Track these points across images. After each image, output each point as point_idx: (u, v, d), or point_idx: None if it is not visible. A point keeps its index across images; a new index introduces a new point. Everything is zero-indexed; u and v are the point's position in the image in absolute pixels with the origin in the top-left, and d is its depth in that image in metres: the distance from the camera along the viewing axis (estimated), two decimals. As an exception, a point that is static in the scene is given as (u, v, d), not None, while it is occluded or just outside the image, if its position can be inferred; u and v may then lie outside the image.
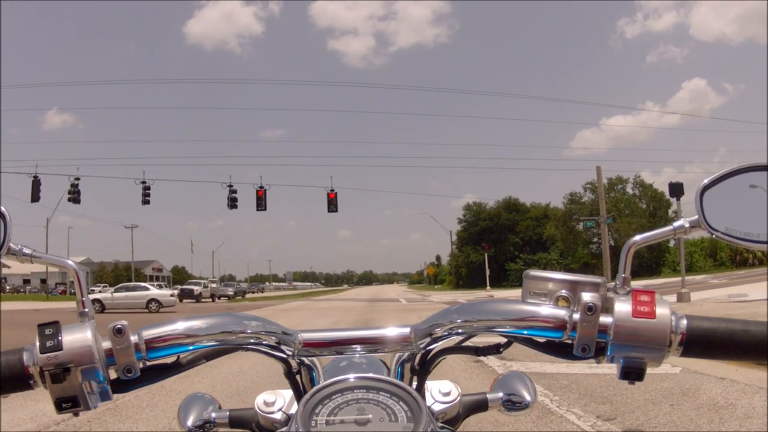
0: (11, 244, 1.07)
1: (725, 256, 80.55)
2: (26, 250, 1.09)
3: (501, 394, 1.34)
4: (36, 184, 44.70)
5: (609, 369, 1.08)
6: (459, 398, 1.27)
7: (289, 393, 1.24)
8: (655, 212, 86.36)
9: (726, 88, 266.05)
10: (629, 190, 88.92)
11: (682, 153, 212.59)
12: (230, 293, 79.75)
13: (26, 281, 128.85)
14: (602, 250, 74.82)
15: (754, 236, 1.07)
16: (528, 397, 1.34)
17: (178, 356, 1.08)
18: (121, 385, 1.03)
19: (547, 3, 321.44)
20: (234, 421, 1.30)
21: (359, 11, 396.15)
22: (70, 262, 1.09)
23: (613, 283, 1.08)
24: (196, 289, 69.00)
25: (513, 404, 1.33)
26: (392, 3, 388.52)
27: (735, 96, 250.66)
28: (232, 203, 49.12)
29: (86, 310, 1.05)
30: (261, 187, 47.33)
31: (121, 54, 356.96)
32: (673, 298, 26.82)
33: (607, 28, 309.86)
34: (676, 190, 31.24)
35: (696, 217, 1.08)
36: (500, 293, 59.02)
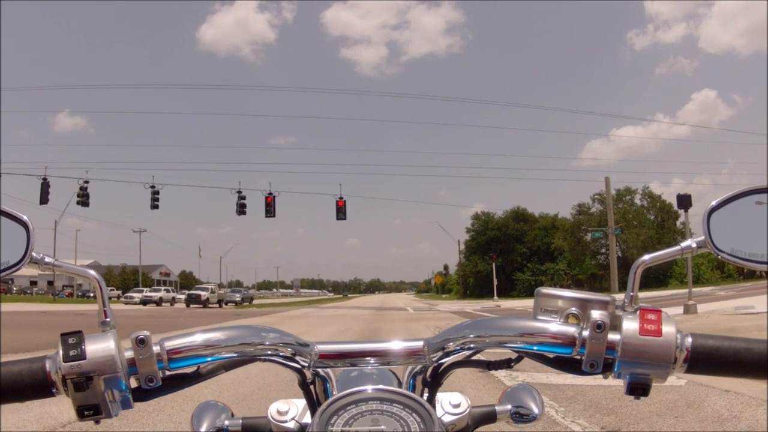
0: (33, 253, 1.09)
1: (732, 268, 79.96)
2: (48, 259, 1.11)
3: (509, 407, 1.35)
4: (45, 187, 44.79)
5: (614, 381, 1.11)
6: (468, 410, 1.28)
7: (302, 402, 1.26)
8: (663, 224, 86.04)
9: (735, 99, 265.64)
10: (637, 201, 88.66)
11: (691, 164, 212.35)
12: (237, 299, 79.50)
13: (33, 283, 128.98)
14: (610, 261, 74.87)
15: (758, 257, 1.10)
16: (536, 410, 1.35)
17: (198, 366, 1.11)
18: (142, 394, 1.06)
19: (557, 15, 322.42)
20: (247, 429, 1.31)
21: (372, 20, 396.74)
22: (92, 273, 1.11)
23: (622, 301, 1.11)
24: (204, 294, 68.85)
25: (521, 416, 1.34)
26: (405, 12, 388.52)
27: (744, 108, 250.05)
28: (241, 209, 49.16)
29: (108, 319, 1.07)
30: (270, 193, 47.36)
31: (133, 58, 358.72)
32: (680, 309, 26.70)
33: (617, 39, 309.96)
34: (684, 201, 31.06)
35: (703, 237, 1.11)
36: (508, 303, 58.86)
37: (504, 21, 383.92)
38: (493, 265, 78.29)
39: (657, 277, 77.82)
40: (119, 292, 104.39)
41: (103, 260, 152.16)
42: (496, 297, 71.07)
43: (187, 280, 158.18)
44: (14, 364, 1.01)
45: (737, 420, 7.37)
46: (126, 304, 72.01)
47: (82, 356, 0.98)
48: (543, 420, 7.69)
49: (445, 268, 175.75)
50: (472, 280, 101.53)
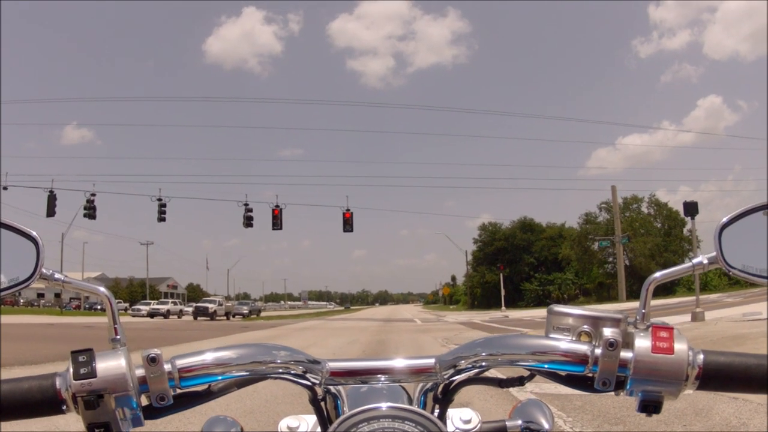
0: (43, 270, 1.09)
1: (740, 276, 79.83)
2: (58, 276, 1.11)
3: (520, 422, 1.35)
4: (52, 199, 44.93)
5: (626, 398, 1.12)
6: (479, 426, 1.29)
7: (312, 418, 1.26)
8: (670, 231, 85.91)
9: (741, 105, 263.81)
10: (644, 209, 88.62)
11: (697, 171, 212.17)
12: (245, 312, 79.63)
13: (40, 295, 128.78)
14: (617, 270, 74.68)
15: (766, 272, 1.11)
16: (546, 425, 1.35)
17: (209, 384, 1.11)
18: (153, 412, 1.07)
19: (562, 24, 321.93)
20: None
21: (378, 31, 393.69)
22: (102, 289, 1.11)
23: (634, 318, 1.11)
24: (211, 307, 68.96)
25: None
26: (411, 23, 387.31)
27: (750, 113, 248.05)
28: (248, 222, 49.30)
29: (118, 336, 1.08)
30: (277, 206, 47.47)
31: (140, 71, 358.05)
32: (687, 317, 26.66)
33: (621, 48, 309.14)
34: (691, 209, 31.05)
35: (714, 253, 1.12)
36: (516, 314, 58.74)
37: (509, 31, 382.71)
38: (501, 275, 78.39)
39: (664, 285, 77.27)
40: (127, 304, 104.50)
41: (111, 273, 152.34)
42: (504, 307, 71.10)
43: (194, 293, 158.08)
44: (24, 380, 1.02)
45: (745, 427, 7.36)
46: (134, 316, 72.21)
47: (92, 374, 0.99)
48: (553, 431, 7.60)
49: (453, 278, 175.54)
50: (479, 291, 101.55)
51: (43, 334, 30.20)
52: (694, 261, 1.13)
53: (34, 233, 1.12)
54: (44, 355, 16.46)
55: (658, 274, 1.13)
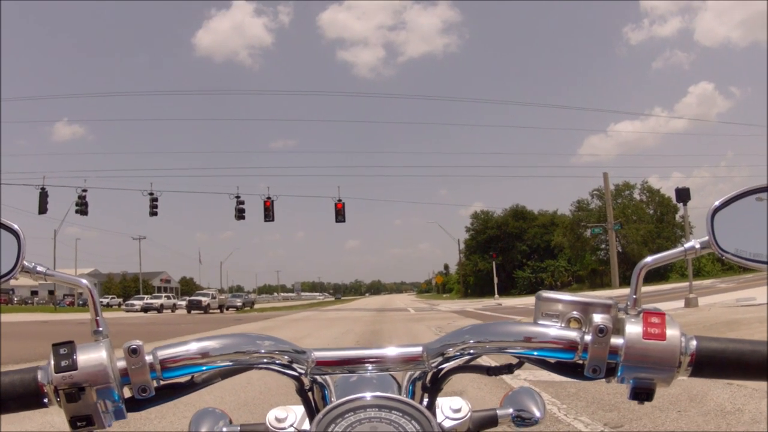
0: (25, 262, 1.08)
1: (733, 261, 80.00)
2: (40, 268, 1.10)
3: (511, 410, 1.33)
4: (43, 196, 44.93)
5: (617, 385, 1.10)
6: (469, 414, 1.26)
7: (300, 409, 1.24)
8: (662, 218, 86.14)
9: (733, 91, 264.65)
10: (636, 196, 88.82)
11: (690, 158, 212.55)
12: (238, 304, 79.52)
13: (34, 293, 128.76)
14: (610, 257, 74.80)
15: (762, 257, 1.09)
16: (537, 413, 1.33)
17: (193, 375, 1.10)
18: (136, 404, 1.05)
19: (553, 12, 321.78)
20: None
21: (369, 22, 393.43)
22: (84, 281, 1.10)
23: (624, 303, 1.09)
24: (205, 300, 68.79)
25: (522, 420, 1.32)
26: (402, 13, 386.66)
27: (742, 99, 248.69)
28: (240, 214, 49.35)
29: (100, 329, 1.06)
30: (268, 197, 47.48)
31: (130, 65, 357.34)
32: (681, 303, 26.72)
33: (612, 35, 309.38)
34: (683, 195, 31.13)
35: (707, 238, 1.10)
36: (509, 301, 58.84)
37: (500, 19, 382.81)
38: (494, 263, 78.57)
39: (657, 271, 77.88)
40: (120, 299, 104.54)
41: (104, 268, 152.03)
42: (497, 295, 71.24)
43: (187, 287, 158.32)
44: (6, 374, 1.00)
45: (740, 413, 7.36)
46: (127, 311, 72.13)
47: (73, 367, 0.97)
48: (545, 418, 7.56)
49: (446, 267, 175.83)
50: (472, 279, 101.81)
51: (37, 332, 30.14)
52: (686, 245, 1.11)
53: (15, 226, 1.11)
54: (39, 354, 16.38)
55: (649, 259, 1.10)
